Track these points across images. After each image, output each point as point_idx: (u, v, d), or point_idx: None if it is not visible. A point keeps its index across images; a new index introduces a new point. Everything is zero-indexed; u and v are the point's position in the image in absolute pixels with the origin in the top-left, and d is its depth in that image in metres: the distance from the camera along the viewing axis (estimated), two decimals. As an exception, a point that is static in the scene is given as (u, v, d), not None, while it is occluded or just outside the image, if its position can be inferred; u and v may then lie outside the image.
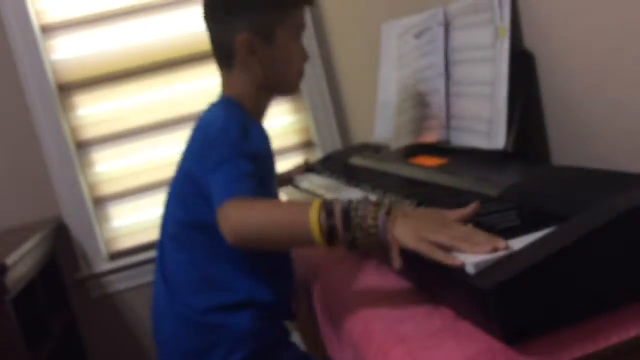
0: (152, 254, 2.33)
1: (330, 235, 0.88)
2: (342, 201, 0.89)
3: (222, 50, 1.23)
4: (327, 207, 0.89)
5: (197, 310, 1.15)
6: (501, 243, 0.76)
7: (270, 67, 1.21)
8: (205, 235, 1.14)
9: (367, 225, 0.86)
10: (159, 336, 1.23)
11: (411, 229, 0.82)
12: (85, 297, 2.33)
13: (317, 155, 2.42)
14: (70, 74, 2.32)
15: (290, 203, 0.97)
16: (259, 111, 1.26)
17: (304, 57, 1.26)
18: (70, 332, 2.25)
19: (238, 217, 0.96)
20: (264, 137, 1.16)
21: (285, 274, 1.24)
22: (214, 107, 1.21)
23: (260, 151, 1.11)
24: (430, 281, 0.87)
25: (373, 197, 0.95)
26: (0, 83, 2.23)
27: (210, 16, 1.23)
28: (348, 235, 0.87)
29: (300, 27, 1.24)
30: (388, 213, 0.85)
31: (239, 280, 1.15)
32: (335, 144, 2.45)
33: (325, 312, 1.09)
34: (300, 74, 1.27)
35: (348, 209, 0.87)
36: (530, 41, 1.14)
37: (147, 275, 2.33)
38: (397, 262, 0.84)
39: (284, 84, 1.26)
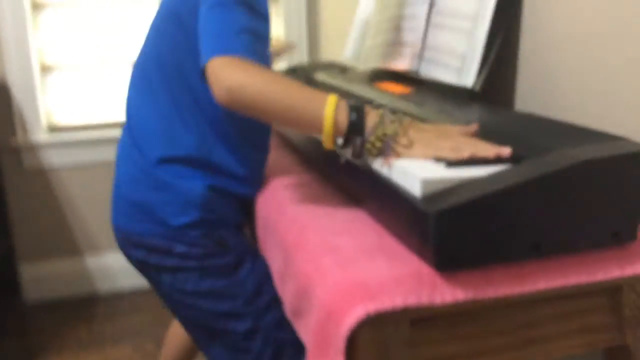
0: (93, 134, 2.26)
1: (341, 135, 0.84)
2: (361, 105, 0.85)
3: None
4: (350, 107, 0.85)
5: (152, 160, 1.08)
6: (505, 150, 0.79)
7: None
8: (180, 82, 1.07)
9: (380, 136, 0.83)
10: (116, 180, 1.16)
11: (420, 143, 0.83)
12: (18, 167, 2.24)
13: (280, 66, 2.35)
14: None
15: (297, 82, 0.90)
16: None
17: None
18: (-3, 199, 2.18)
19: (238, 77, 0.88)
20: None
21: (257, 157, 1.16)
22: None
23: (260, 5, 1.01)
24: (374, 197, 0.85)
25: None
26: None
27: None
28: (363, 142, 0.84)
29: None
30: (398, 126, 0.84)
31: (203, 139, 1.07)
32: (302, 57, 2.38)
33: (262, 216, 1.07)
34: None
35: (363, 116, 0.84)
36: (521, -17, 1.11)
37: (85, 155, 2.26)
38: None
39: None
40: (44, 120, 2.25)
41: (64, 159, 2.27)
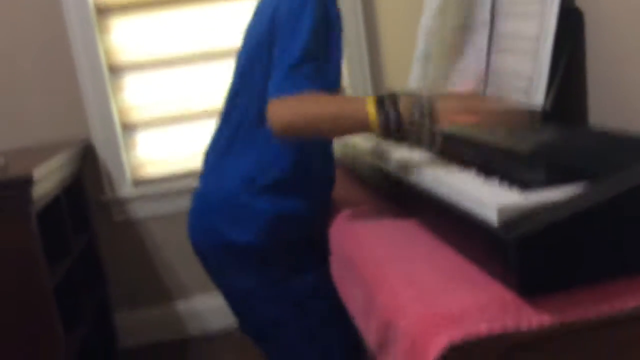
0: (176, 184, 2.36)
1: (386, 126, 0.99)
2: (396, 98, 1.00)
3: None
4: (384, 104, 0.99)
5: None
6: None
7: None
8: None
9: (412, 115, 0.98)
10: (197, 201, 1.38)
11: (451, 107, 0.97)
12: (107, 220, 2.38)
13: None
14: (110, -3, 2.31)
15: (334, 98, 1.07)
16: None
17: None
18: (90, 252, 2.30)
19: (283, 118, 1.03)
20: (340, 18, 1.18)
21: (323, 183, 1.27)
22: None
23: (338, 28, 1.16)
24: (451, 227, 0.86)
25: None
26: (40, 3, 2.23)
27: None
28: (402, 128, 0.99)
29: None
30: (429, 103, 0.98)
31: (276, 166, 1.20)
32: (366, 92, 2.41)
33: (338, 253, 1.09)
34: None
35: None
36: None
37: (170, 206, 2.36)
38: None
39: None
40: (129, 175, 2.38)
41: (150, 210, 2.39)
